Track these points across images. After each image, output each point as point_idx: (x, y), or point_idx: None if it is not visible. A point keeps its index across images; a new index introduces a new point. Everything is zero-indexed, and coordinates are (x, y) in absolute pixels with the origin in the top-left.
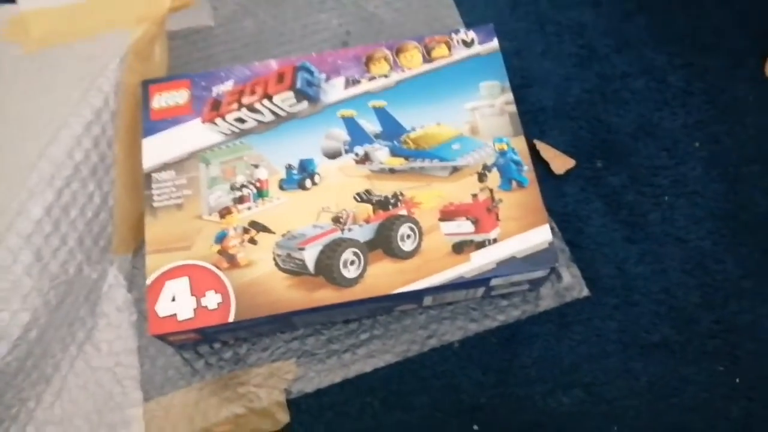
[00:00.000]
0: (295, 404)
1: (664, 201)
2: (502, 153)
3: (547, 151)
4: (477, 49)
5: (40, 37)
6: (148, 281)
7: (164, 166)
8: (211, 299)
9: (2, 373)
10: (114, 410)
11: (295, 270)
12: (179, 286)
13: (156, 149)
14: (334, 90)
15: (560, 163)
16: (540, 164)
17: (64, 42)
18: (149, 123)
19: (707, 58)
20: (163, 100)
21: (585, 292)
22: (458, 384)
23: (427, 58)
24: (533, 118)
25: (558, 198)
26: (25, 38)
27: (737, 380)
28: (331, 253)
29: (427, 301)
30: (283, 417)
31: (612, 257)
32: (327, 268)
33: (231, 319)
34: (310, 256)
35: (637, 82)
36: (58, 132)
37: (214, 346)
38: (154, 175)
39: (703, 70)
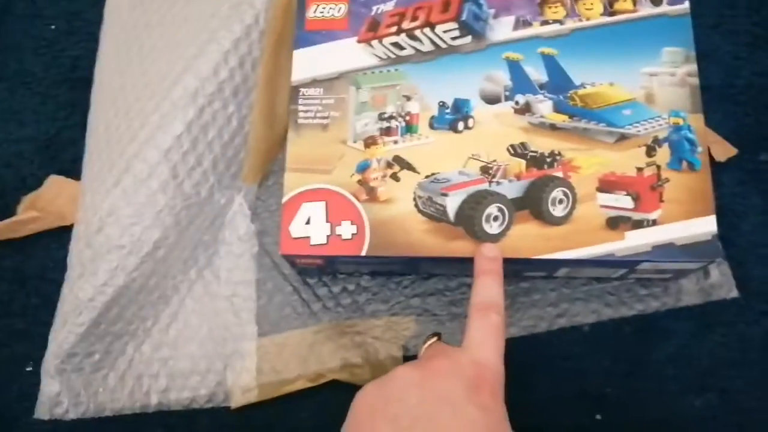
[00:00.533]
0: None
1: None
2: (677, 128)
3: (708, 135)
4: (665, 8)
5: None
6: (285, 198)
7: (313, 82)
8: (346, 229)
9: (127, 288)
10: (228, 341)
11: (435, 215)
12: (315, 210)
13: (306, 63)
14: (502, 28)
15: (721, 149)
16: None
17: None
18: (303, 33)
19: None
20: (319, 10)
21: (734, 292)
22: (585, 370)
23: (609, 9)
24: None
25: (714, 187)
26: None
27: None
28: (475, 204)
29: (561, 272)
30: None
31: (766, 259)
32: (468, 219)
33: (363, 252)
34: (452, 203)
35: None
36: (206, 46)
37: (333, 290)
38: (302, 89)
39: None
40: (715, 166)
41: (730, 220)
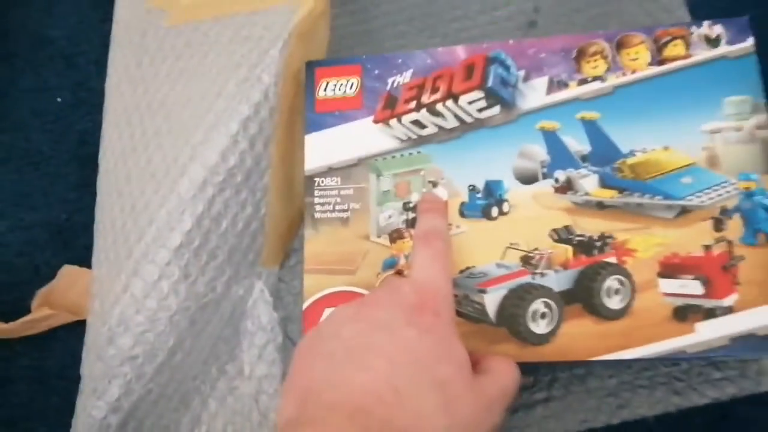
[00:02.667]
0: None
1: None
2: (749, 194)
3: None
4: (724, 49)
5: (189, 5)
6: (305, 305)
7: (329, 171)
8: None
9: (143, 400)
10: None
11: (473, 315)
12: None
13: (320, 149)
14: (534, 93)
15: None
16: None
17: (216, 16)
18: (313, 115)
19: None
20: (330, 88)
21: None
22: None
23: (657, 57)
24: None
25: None
26: (171, 5)
27: None
28: (518, 300)
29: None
30: None
31: None
32: (512, 318)
33: None
34: (491, 300)
35: None
36: (212, 130)
37: None
38: (317, 179)
39: None
40: None
41: None
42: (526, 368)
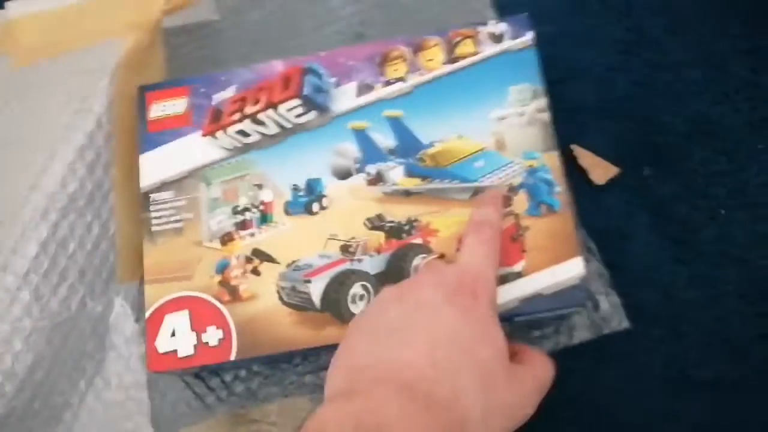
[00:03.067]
0: None
1: (720, 214)
2: (532, 171)
3: (586, 158)
4: (508, 44)
5: (30, 47)
6: (147, 314)
7: (163, 186)
8: (212, 335)
9: (9, 417)
10: None
11: (300, 305)
12: (179, 320)
13: (154, 166)
14: (345, 97)
15: (601, 171)
16: (578, 173)
17: (54, 54)
18: (146, 135)
19: None
20: (160, 108)
21: (624, 323)
22: None
23: (450, 56)
24: (570, 118)
25: (598, 212)
26: (15, 49)
27: None
28: (338, 286)
29: None
30: None
31: (659, 281)
32: (334, 303)
33: (233, 357)
34: (316, 289)
35: (694, 71)
36: (50, 160)
37: (225, 379)
38: (152, 195)
39: None
40: (598, 189)
41: (618, 244)
42: None
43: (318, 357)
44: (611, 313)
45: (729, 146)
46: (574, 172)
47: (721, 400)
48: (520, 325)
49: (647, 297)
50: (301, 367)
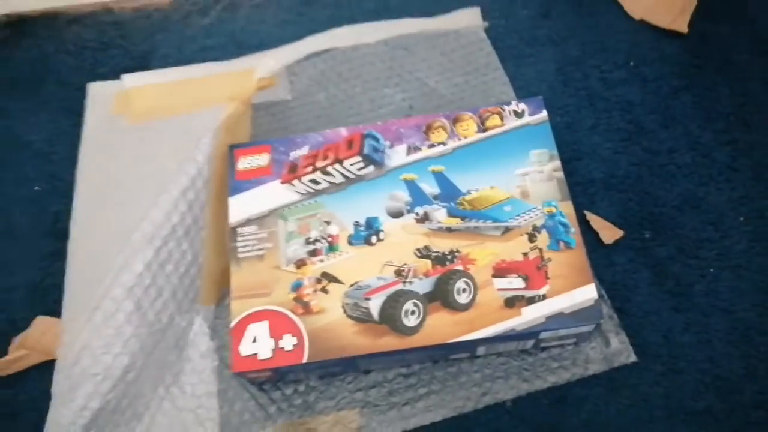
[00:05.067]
0: None
1: (709, 273)
2: (551, 215)
3: (596, 222)
4: (527, 119)
5: (142, 111)
6: (232, 324)
7: (248, 222)
8: (288, 341)
9: (102, 410)
10: None
11: (362, 318)
12: (260, 329)
13: (240, 206)
14: (397, 155)
15: (609, 233)
16: (590, 233)
17: (163, 117)
18: (235, 183)
19: (752, 135)
20: (247, 162)
21: (632, 357)
22: None
23: (482, 127)
24: (583, 190)
25: (607, 267)
26: (129, 111)
27: None
28: (393, 303)
29: (480, 351)
30: None
31: (659, 325)
32: (390, 316)
33: (305, 360)
34: (375, 305)
35: (684, 157)
36: (159, 197)
37: (285, 392)
38: (239, 229)
39: (749, 146)
40: (607, 248)
41: (624, 294)
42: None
43: (367, 376)
44: (620, 349)
45: (714, 218)
46: (587, 232)
47: (713, 428)
48: (542, 358)
49: (649, 338)
50: (352, 385)
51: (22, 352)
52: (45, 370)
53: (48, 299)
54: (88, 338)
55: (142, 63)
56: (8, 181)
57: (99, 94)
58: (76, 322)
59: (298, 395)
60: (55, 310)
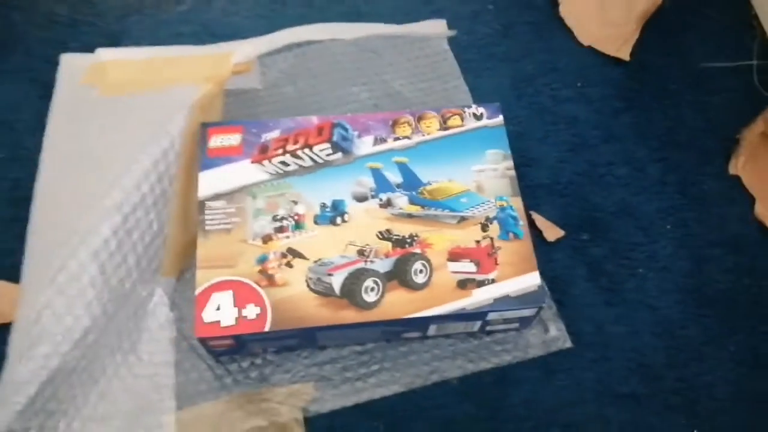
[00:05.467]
0: (310, 422)
1: (638, 272)
2: (502, 209)
3: (541, 222)
4: (485, 122)
5: (116, 83)
6: (197, 291)
7: (216, 196)
8: (251, 311)
9: (60, 370)
10: (150, 414)
11: (324, 292)
12: (224, 298)
13: (210, 182)
14: (364, 145)
15: (551, 232)
16: (535, 232)
17: (137, 91)
18: (206, 159)
19: (681, 154)
20: (218, 140)
21: (568, 343)
22: (454, 416)
23: (443, 125)
24: (531, 193)
25: (548, 263)
26: (102, 83)
27: None
28: (354, 279)
29: (432, 330)
30: None
31: (592, 317)
32: (351, 292)
33: (267, 328)
34: (337, 281)
35: (620, 169)
36: (130, 166)
37: (242, 365)
38: (207, 203)
39: (677, 164)
40: (549, 246)
41: (562, 288)
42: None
43: (322, 351)
44: (558, 336)
45: (645, 224)
46: (532, 231)
47: (637, 410)
48: (486, 341)
49: (584, 328)
50: (308, 360)
51: None
52: None
53: (4, 264)
54: (50, 298)
55: (113, 42)
56: None
57: (71, 64)
58: (39, 283)
59: (254, 368)
60: (11, 277)
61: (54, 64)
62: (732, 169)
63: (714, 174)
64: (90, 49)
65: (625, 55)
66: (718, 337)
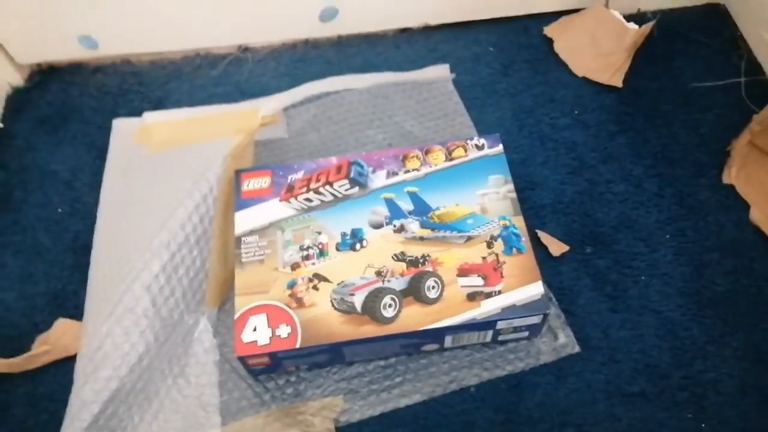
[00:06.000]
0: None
1: (641, 280)
2: (505, 227)
3: (546, 239)
4: (486, 151)
5: (161, 142)
6: (237, 315)
7: (250, 232)
8: (283, 330)
9: (119, 391)
10: (198, 430)
11: (347, 310)
12: (259, 320)
13: (245, 220)
14: (378, 179)
15: (557, 247)
16: (541, 248)
17: (179, 146)
18: (240, 201)
19: (676, 169)
20: (251, 184)
21: (577, 349)
22: (474, 421)
23: (449, 157)
24: (536, 213)
25: (555, 276)
26: (149, 142)
27: (703, 425)
28: (374, 298)
29: (448, 342)
30: None
31: (599, 323)
32: (371, 309)
33: (297, 345)
34: (358, 299)
35: (619, 186)
36: (175, 210)
37: (278, 382)
38: (243, 238)
39: (672, 178)
40: (555, 260)
41: (570, 298)
42: (387, 347)
43: (350, 367)
44: (567, 342)
45: (645, 235)
46: (538, 247)
47: (646, 407)
48: (500, 350)
49: (591, 334)
50: (337, 375)
51: (45, 347)
52: (62, 367)
53: (68, 305)
54: (110, 328)
55: (157, 106)
56: (34, 204)
57: (122, 128)
58: (99, 316)
59: (289, 384)
60: (74, 315)
61: (106, 130)
62: (726, 179)
63: (708, 185)
64: (137, 114)
65: (617, 82)
66: (720, 336)
